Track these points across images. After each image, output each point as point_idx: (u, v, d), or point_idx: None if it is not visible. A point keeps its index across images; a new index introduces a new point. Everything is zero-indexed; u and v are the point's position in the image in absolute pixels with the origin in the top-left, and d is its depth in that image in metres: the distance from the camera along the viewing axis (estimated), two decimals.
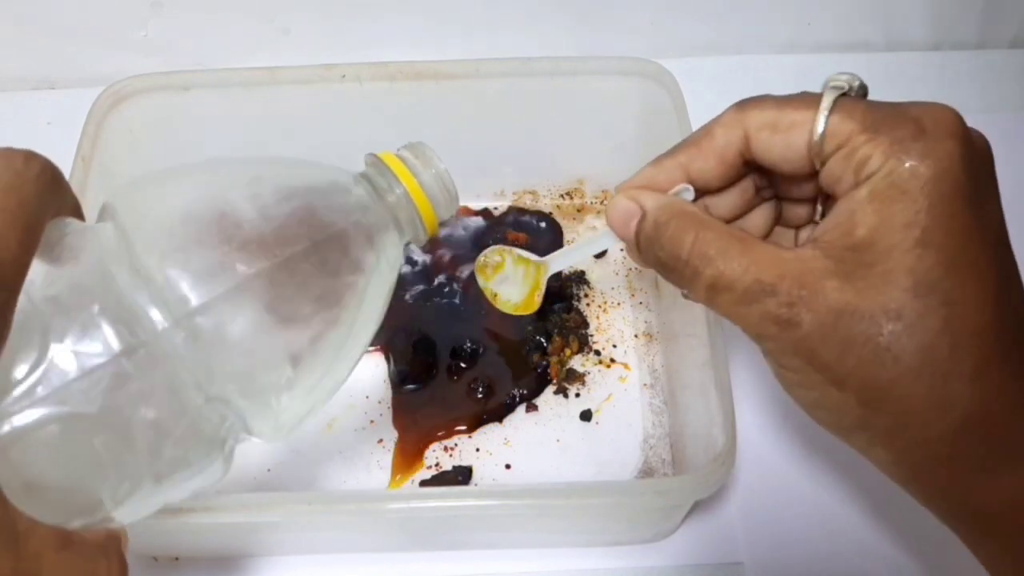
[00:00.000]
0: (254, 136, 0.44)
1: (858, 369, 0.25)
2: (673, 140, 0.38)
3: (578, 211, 0.48)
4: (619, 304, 0.45)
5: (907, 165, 0.25)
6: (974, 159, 0.26)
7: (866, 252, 0.25)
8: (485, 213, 0.48)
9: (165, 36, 0.52)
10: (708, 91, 0.46)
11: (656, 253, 0.28)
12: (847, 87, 0.27)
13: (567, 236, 0.47)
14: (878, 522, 0.39)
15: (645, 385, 0.43)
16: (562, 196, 0.48)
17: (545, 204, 0.48)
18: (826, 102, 0.27)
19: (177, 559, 0.39)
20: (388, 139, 0.43)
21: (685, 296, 0.29)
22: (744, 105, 0.28)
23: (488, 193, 0.48)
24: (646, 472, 0.40)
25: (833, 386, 0.26)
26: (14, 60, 0.53)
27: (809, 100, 0.27)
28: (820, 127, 0.27)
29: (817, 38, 0.55)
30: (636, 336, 0.44)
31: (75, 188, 0.37)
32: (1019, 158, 0.50)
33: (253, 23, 0.52)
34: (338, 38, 0.53)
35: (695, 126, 0.31)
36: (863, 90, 0.28)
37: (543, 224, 0.48)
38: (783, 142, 0.28)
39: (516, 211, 0.48)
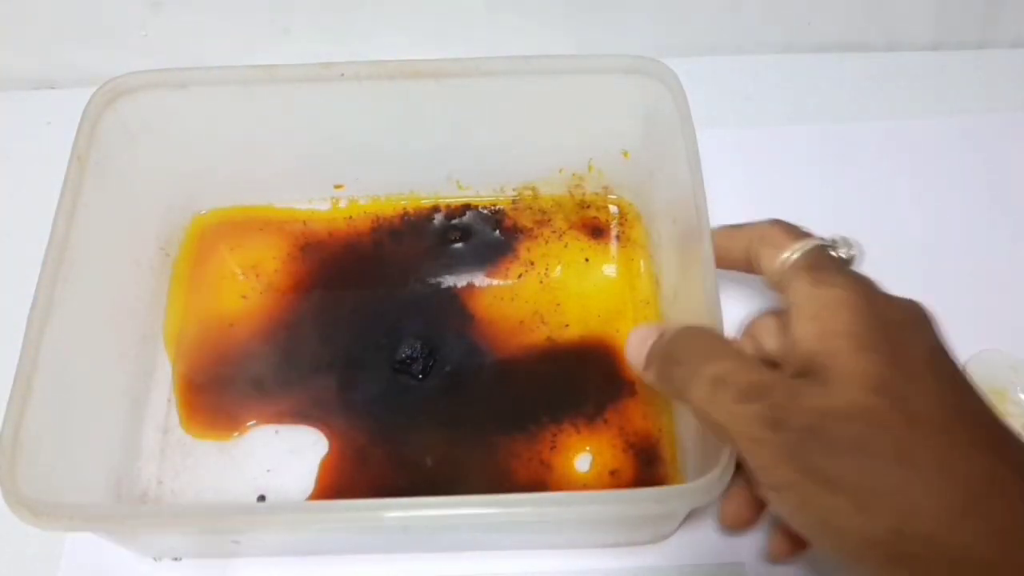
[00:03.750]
0: (252, 135, 0.44)
1: (847, 470, 0.26)
2: (675, 139, 0.38)
3: (580, 206, 0.48)
4: None
5: (823, 290, 0.30)
6: (877, 293, 0.30)
7: (817, 358, 0.28)
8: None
9: (165, 36, 0.52)
10: (708, 91, 0.47)
11: (667, 349, 0.32)
12: (839, 244, 0.33)
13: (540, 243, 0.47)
14: None
15: None
16: (566, 191, 0.48)
17: (546, 199, 0.48)
18: (805, 243, 0.32)
19: (178, 559, 0.39)
20: (387, 138, 0.44)
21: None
22: (770, 221, 0.34)
23: (488, 189, 0.48)
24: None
25: (826, 490, 0.27)
26: (14, 60, 0.53)
27: (801, 235, 0.33)
28: (786, 254, 0.32)
29: (817, 38, 0.55)
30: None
31: (70, 189, 0.38)
32: (1019, 158, 0.50)
33: (253, 23, 0.52)
34: (338, 38, 0.53)
35: (698, 126, 0.35)
36: (851, 256, 0.33)
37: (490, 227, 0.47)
38: (768, 256, 0.33)
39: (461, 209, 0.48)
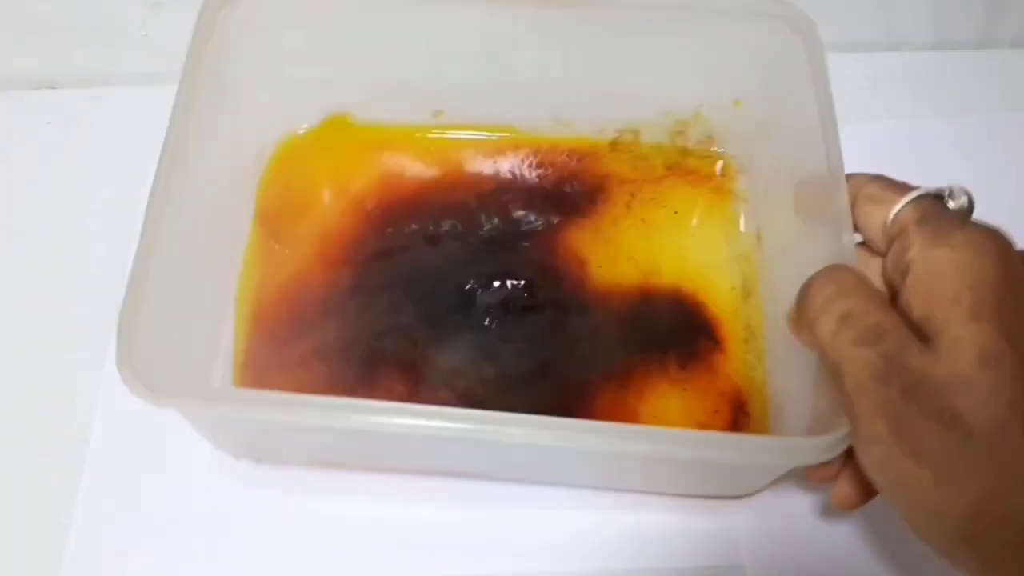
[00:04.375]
0: (358, 50, 0.43)
1: (934, 442, 0.25)
2: (803, 89, 0.37)
3: (681, 154, 0.46)
4: None
5: (940, 251, 0.27)
6: (1009, 255, 0.28)
7: (927, 325, 0.26)
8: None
9: (165, 36, 0.52)
10: None
11: (807, 284, 0.30)
12: (948, 192, 0.30)
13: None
14: (883, 525, 0.39)
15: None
16: (667, 138, 0.47)
17: (646, 145, 0.47)
18: (913, 194, 0.30)
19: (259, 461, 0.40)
20: (490, 66, 0.43)
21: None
22: (871, 176, 0.33)
23: (590, 128, 0.47)
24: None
25: (912, 458, 0.26)
26: (14, 60, 0.53)
27: (908, 188, 0.31)
28: (894, 210, 0.30)
29: (821, 38, 0.55)
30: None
31: (186, 86, 0.38)
32: (1019, 158, 0.50)
33: None
34: None
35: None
36: (968, 203, 0.31)
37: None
38: (870, 214, 0.31)
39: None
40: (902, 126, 0.51)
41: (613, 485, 0.40)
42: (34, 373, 0.44)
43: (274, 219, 0.45)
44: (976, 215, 0.29)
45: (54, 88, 0.54)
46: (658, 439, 0.32)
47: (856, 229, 0.33)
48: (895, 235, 0.30)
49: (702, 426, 0.40)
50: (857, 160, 0.50)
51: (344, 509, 0.39)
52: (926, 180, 0.32)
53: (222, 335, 0.42)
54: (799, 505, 0.40)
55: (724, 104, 0.45)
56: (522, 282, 0.43)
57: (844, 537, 0.39)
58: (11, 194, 0.49)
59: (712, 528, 0.39)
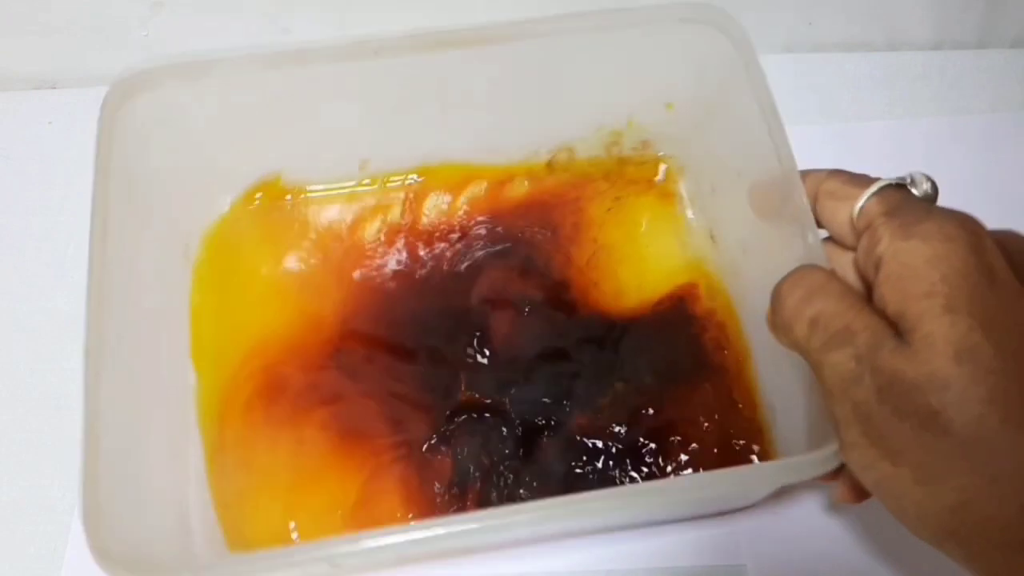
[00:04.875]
0: (278, 121, 0.42)
1: (910, 442, 0.25)
2: (737, 85, 0.37)
3: (618, 164, 0.46)
4: None
5: (910, 243, 0.26)
6: (980, 241, 0.27)
7: (902, 321, 0.26)
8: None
9: (166, 36, 0.52)
10: None
11: (778, 288, 0.30)
12: (909, 180, 0.29)
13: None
14: (884, 525, 0.39)
15: None
16: (603, 151, 0.46)
17: (582, 160, 0.46)
18: (875, 186, 0.29)
19: None
20: (424, 112, 0.42)
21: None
22: (829, 171, 0.32)
23: (522, 152, 0.46)
24: None
25: (887, 460, 0.26)
26: (14, 60, 0.53)
27: (869, 181, 0.30)
28: (858, 204, 0.29)
29: (817, 38, 0.55)
30: None
31: (96, 200, 0.35)
32: (1019, 158, 0.50)
33: (254, 23, 0.52)
34: (340, 40, 0.53)
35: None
36: (932, 190, 0.30)
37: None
38: (833, 210, 0.31)
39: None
40: (902, 126, 0.51)
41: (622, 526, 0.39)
42: (34, 373, 0.44)
43: (216, 307, 0.43)
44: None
45: (54, 88, 0.54)
46: (658, 494, 0.32)
47: (820, 225, 0.32)
48: (863, 229, 0.29)
49: (693, 438, 0.40)
50: (857, 160, 0.50)
51: None
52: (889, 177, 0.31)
53: (194, 475, 0.39)
54: (799, 505, 0.40)
55: (656, 109, 0.44)
56: (476, 335, 0.42)
57: (844, 537, 0.39)
58: (11, 194, 0.49)
59: (713, 528, 0.39)
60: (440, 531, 0.29)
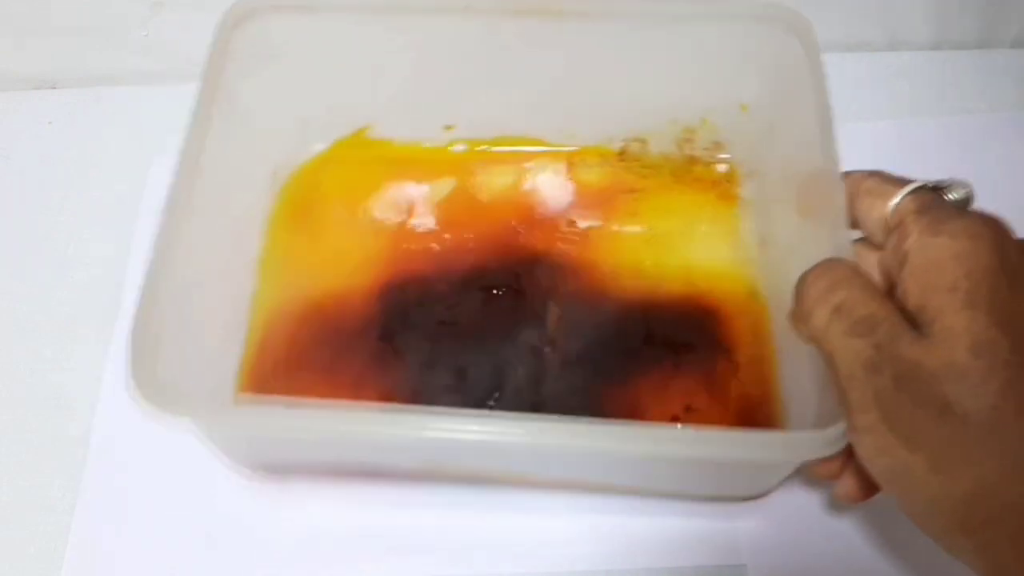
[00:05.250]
0: (365, 66, 0.44)
1: (927, 429, 0.26)
2: (805, 95, 0.38)
3: (688, 161, 0.47)
4: None
5: (938, 239, 0.27)
6: (1005, 242, 0.28)
7: (922, 314, 0.27)
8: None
9: (166, 36, 0.52)
10: None
11: (804, 277, 0.30)
12: (947, 185, 0.31)
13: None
14: (884, 525, 0.39)
15: None
16: (675, 146, 0.47)
17: (653, 155, 0.47)
18: (912, 186, 0.30)
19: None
20: (500, 78, 0.44)
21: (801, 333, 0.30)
22: (868, 172, 0.33)
23: (597, 136, 0.47)
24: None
25: (904, 447, 0.26)
26: (15, 60, 0.53)
27: (906, 182, 0.31)
28: (893, 202, 0.30)
29: (817, 38, 0.55)
30: None
31: (201, 110, 0.37)
32: (1019, 158, 0.50)
33: None
34: None
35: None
36: (966, 196, 0.31)
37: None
38: (869, 208, 0.31)
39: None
40: (902, 126, 0.51)
41: (624, 486, 0.40)
42: (34, 373, 0.44)
43: (290, 236, 0.45)
44: None
45: (55, 88, 0.54)
46: (659, 438, 0.32)
47: (856, 224, 0.33)
48: (894, 226, 0.30)
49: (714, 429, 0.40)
50: (857, 160, 0.50)
51: (351, 520, 0.39)
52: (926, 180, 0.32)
53: (232, 352, 0.41)
54: (800, 504, 0.40)
55: (731, 109, 0.45)
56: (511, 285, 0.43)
57: (845, 536, 0.39)
58: (11, 194, 0.50)
59: (713, 528, 0.39)
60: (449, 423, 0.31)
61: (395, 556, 0.39)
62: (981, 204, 0.30)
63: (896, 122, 0.52)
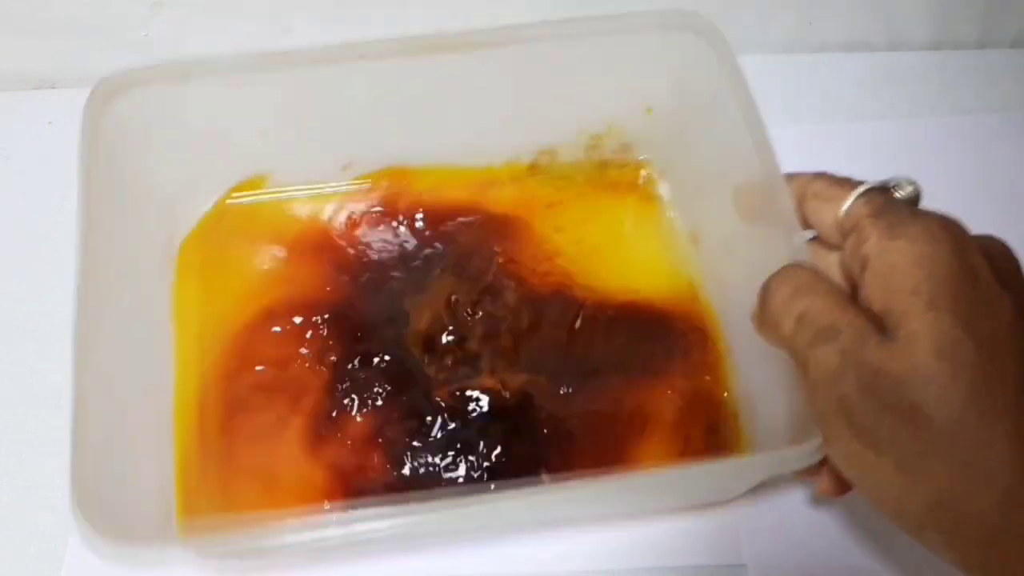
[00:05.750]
0: (265, 126, 0.43)
1: (893, 433, 0.26)
2: (722, 95, 0.38)
3: (600, 167, 0.46)
4: None
5: (896, 243, 0.27)
6: (964, 242, 0.28)
7: (886, 318, 0.27)
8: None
9: (166, 36, 0.52)
10: None
11: (766, 285, 0.30)
12: (894, 183, 0.31)
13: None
14: (884, 525, 0.39)
15: None
16: (584, 154, 0.47)
17: (564, 163, 0.47)
18: (862, 188, 0.30)
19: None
20: (408, 116, 0.43)
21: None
22: (813, 174, 0.33)
23: (505, 156, 0.46)
24: None
25: (871, 451, 0.26)
26: (14, 60, 0.53)
27: (854, 184, 0.31)
28: (845, 205, 0.30)
29: (817, 38, 0.55)
30: None
31: (80, 198, 0.37)
32: (1019, 158, 0.50)
33: (255, 23, 0.52)
34: (341, 38, 0.53)
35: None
36: (915, 194, 0.31)
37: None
38: (820, 211, 0.31)
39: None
40: (902, 126, 0.51)
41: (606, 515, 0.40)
42: (34, 372, 0.44)
43: (200, 305, 0.43)
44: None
45: (54, 88, 0.54)
46: (641, 487, 0.33)
47: (807, 227, 0.33)
48: (849, 230, 0.30)
49: (677, 435, 0.40)
50: (857, 160, 0.50)
51: None
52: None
53: (168, 463, 0.39)
54: (799, 504, 0.40)
55: (636, 113, 0.45)
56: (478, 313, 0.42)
57: (845, 537, 0.39)
58: (11, 194, 0.50)
59: (713, 528, 0.39)
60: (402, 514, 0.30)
61: None
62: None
63: (896, 122, 0.52)
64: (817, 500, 0.40)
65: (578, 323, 0.42)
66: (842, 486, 0.32)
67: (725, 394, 0.41)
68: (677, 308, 0.43)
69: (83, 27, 0.52)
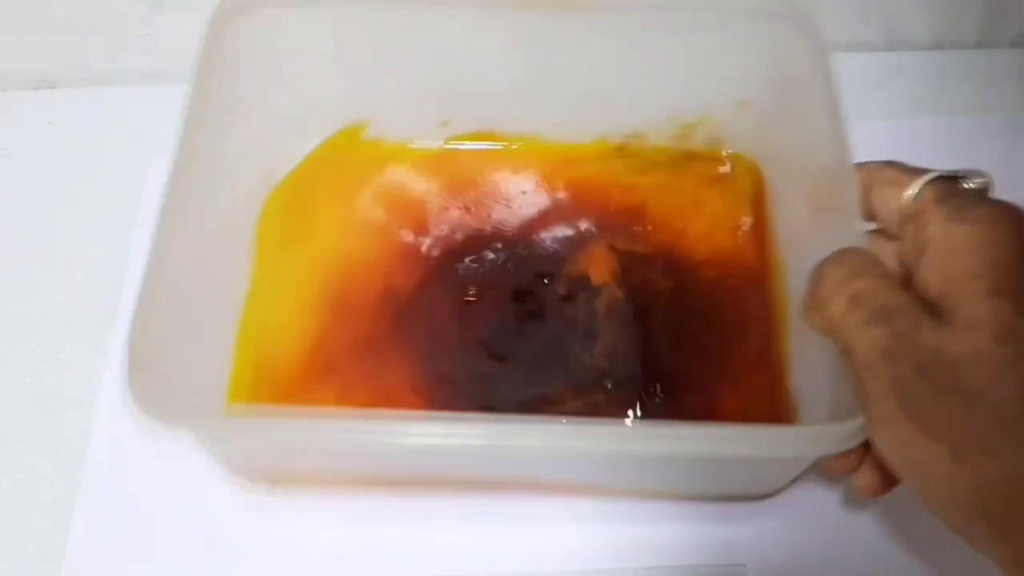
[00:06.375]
0: (373, 59, 0.43)
1: (950, 418, 0.25)
2: (812, 91, 0.38)
3: (688, 158, 0.46)
4: None
5: (961, 227, 0.27)
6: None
7: (944, 302, 0.26)
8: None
9: (167, 35, 0.52)
10: None
11: (819, 266, 0.30)
12: (968, 175, 0.31)
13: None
14: (885, 525, 0.39)
15: None
16: (675, 142, 0.47)
17: (652, 148, 0.47)
18: (930, 175, 0.30)
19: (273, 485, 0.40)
20: (496, 75, 0.43)
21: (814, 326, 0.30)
22: (883, 162, 0.32)
23: (594, 132, 0.47)
24: None
25: (926, 437, 0.26)
26: (14, 59, 0.53)
27: (924, 172, 0.30)
28: (911, 191, 0.30)
29: (822, 33, 0.55)
30: None
31: (195, 106, 0.37)
32: (1019, 158, 0.50)
33: None
34: None
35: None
36: (984, 186, 0.31)
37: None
38: (886, 197, 0.31)
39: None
40: (902, 126, 0.51)
41: (631, 488, 0.39)
42: (34, 372, 0.44)
43: (283, 238, 0.44)
44: None
45: (54, 88, 0.54)
46: (671, 437, 0.31)
47: (871, 215, 0.32)
48: (912, 216, 0.29)
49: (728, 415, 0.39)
50: (857, 160, 0.50)
51: (353, 531, 0.39)
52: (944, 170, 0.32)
53: (227, 359, 0.41)
54: (800, 505, 0.40)
55: (729, 105, 0.45)
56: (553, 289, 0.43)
57: (845, 536, 0.39)
58: (11, 194, 0.50)
59: (713, 528, 0.39)
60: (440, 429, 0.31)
61: (395, 562, 0.39)
62: None
63: (896, 122, 0.52)
64: (828, 511, 0.39)
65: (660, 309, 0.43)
66: (885, 482, 0.31)
67: (777, 386, 0.40)
68: (742, 301, 0.43)
69: (83, 27, 0.52)
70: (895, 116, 0.52)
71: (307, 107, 0.45)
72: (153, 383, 0.31)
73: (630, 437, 0.31)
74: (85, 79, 0.53)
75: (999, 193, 0.30)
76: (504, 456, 0.35)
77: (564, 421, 0.31)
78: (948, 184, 0.30)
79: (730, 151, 0.47)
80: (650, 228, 0.45)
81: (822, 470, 0.34)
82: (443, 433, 0.31)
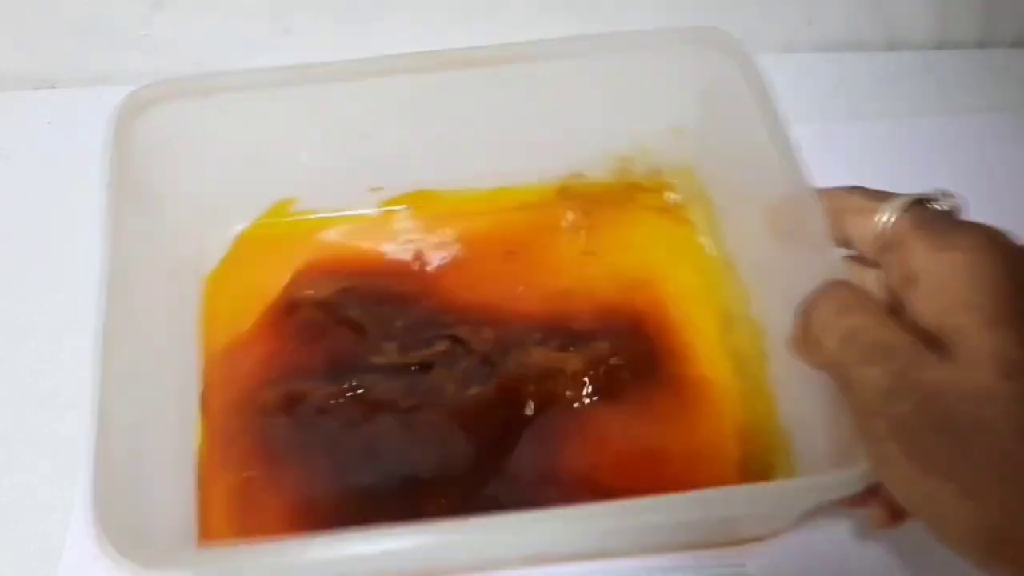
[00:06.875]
0: (284, 138, 0.42)
1: (956, 456, 0.25)
2: (749, 114, 0.37)
3: (630, 189, 0.46)
4: None
5: (948, 255, 0.26)
6: (1014, 251, 0.27)
7: (943, 334, 0.26)
8: None
9: (167, 35, 0.52)
10: None
11: (808, 301, 0.29)
12: (937, 197, 0.29)
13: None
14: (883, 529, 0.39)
15: None
16: (614, 176, 0.46)
17: (594, 186, 0.46)
18: (903, 200, 0.29)
19: None
20: (423, 134, 0.42)
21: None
22: (848, 188, 0.32)
23: (534, 178, 0.46)
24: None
25: (931, 477, 0.25)
26: (14, 59, 0.53)
27: (892, 196, 0.30)
28: (886, 217, 0.29)
29: (817, 38, 0.55)
30: None
31: (108, 212, 0.35)
32: (1019, 158, 0.50)
33: (255, 23, 0.53)
34: (341, 38, 0.53)
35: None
36: (955, 207, 0.30)
37: None
38: (858, 225, 0.30)
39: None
40: (902, 126, 0.51)
41: (626, 550, 0.38)
42: (33, 372, 0.44)
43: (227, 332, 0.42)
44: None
45: (54, 88, 0.54)
46: (666, 507, 0.30)
47: (845, 243, 0.32)
48: (892, 244, 0.29)
49: (709, 466, 0.38)
50: (858, 160, 0.50)
51: None
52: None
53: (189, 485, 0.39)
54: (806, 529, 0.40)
55: (664, 134, 0.44)
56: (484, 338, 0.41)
57: (844, 536, 0.39)
58: (11, 194, 0.50)
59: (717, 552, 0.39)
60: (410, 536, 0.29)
61: None
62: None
63: (896, 122, 0.52)
64: (867, 534, 0.38)
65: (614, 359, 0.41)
66: (898, 516, 0.30)
67: (765, 425, 0.39)
68: (707, 336, 0.42)
69: (83, 27, 0.52)
70: (895, 116, 0.52)
71: (228, 192, 0.43)
72: (124, 531, 0.29)
73: (623, 513, 0.30)
74: (85, 79, 0.53)
75: (1006, 193, 0.29)
76: (489, 547, 0.35)
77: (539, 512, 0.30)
78: (921, 209, 0.29)
79: (674, 180, 0.46)
80: (609, 266, 0.44)
81: (834, 506, 0.33)
82: (426, 531, 0.29)
